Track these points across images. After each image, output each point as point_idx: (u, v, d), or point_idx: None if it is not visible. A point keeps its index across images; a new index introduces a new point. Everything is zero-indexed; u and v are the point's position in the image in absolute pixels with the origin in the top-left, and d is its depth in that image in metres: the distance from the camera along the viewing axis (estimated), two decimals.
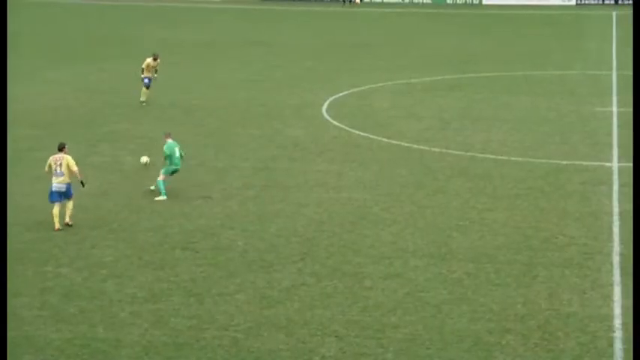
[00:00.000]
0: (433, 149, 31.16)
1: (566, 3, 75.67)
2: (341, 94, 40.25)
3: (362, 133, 33.40)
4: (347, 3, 77.30)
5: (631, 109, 36.27)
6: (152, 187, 26.28)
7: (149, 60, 38.01)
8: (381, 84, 42.77)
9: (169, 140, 26.13)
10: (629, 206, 25.08)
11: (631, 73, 44.72)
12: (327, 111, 37.13)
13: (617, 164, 29.09)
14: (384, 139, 32.52)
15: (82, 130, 33.63)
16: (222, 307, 18.76)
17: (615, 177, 27.85)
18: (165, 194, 25.66)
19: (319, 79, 43.92)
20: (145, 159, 27.26)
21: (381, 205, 25.39)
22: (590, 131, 33.52)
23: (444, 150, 31.06)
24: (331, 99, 39.23)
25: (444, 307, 18.77)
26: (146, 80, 37.82)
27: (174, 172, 26.08)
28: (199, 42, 56.33)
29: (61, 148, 23.40)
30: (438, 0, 77.77)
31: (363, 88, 41.55)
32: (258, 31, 62.20)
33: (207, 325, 17.96)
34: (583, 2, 75.72)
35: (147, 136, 32.64)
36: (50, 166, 23.19)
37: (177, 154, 26.03)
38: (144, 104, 37.75)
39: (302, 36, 59.90)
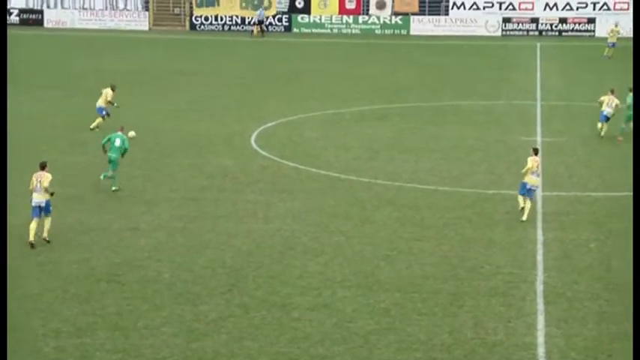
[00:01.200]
0: (361, 179, 31.36)
1: (492, 34, 76.82)
2: (270, 124, 40.33)
3: (291, 163, 33.49)
4: (256, 33, 77.06)
5: (555, 139, 37.00)
6: (114, 188, 29.10)
7: (108, 90, 38.59)
8: (310, 114, 42.95)
9: (119, 132, 29.68)
10: (553, 235, 25.52)
11: (555, 103, 45.56)
12: (255, 141, 37.18)
13: (542, 193, 29.52)
14: (313, 169, 32.65)
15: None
16: (148, 340, 18.61)
17: (540, 206, 28.27)
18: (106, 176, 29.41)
19: (248, 108, 43.96)
20: (132, 133, 31.38)
21: (310, 235, 25.46)
22: (515, 161, 33.92)
23: (372, 180, 31.27)
24: (260, 129, 39.29)
25: (372, 338, 18.87)
26: (101, 111, 38.29)
27: (109, 160, 29.21)
28: (128, 71, 56.03)
29: (42, 167, 24.71)
30: (367, 30, 78.46)
31: (292, 118, 41.69)
32: (187, 60, 62.08)
33: (133, 359, 17.79)
34: (508, 33, 76.97)
35: (75, 167, 32.32)
36: (32, 182, 24.43)
37: (118, 143, 29.21)
38: (96, 130, 37.76)
39: (231, 65, 59.90)
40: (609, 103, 37.94)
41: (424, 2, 79.05)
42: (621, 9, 76.17)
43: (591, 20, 76.18)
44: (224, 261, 23.33)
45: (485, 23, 77.44)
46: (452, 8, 78.35)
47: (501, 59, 63.48)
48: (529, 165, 27.08)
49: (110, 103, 38.52)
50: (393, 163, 33.71)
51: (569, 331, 19.41)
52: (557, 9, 77.10)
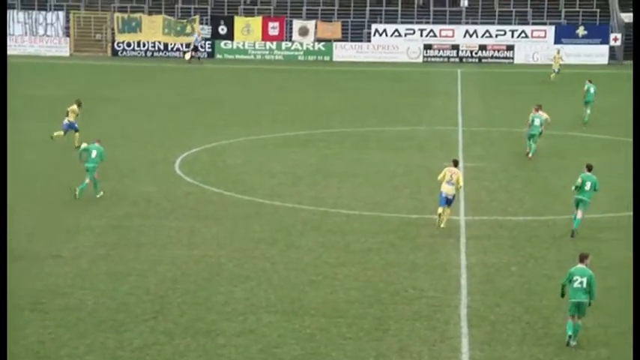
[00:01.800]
0: (286, 205, 31.43)
1: (413, 60, 77.78)
2: (193, 150, 40.22)
3: (215, 189, 33.43)
4: (191, 59, 76.92)
5: (476, 164, 37.51)
6: (99, 194, 31.30)
7: (74, 107, 40.58)
8: (233, 140, 42.95)
9: (95, 144, 32.00)
10: (476, 259, 25.86)
11: (475, 129, 46.22)
12: (179, 167, 37.04)
13: (465, 217, 29.92)
14: (237, 195, 32.63)
15: None
16: None
17: (463, 230, 28.65)
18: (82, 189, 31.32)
19: (171, 135, 43.79)
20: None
21: (235, 261, 25.43)
22: (438, 186, 34.23)
23: (296, 205, 31.36)
24: (184, 155, 39.16)
25: None
26: (66, 125, 40.15)
27: (86, 169, 31.43)
28: (50, 97, 55.41)
29: None
30: (290, 56, 78.83)
31: (215, 144, 41.61)
32: (109, 86, 61.66)
33: None
34: (429, 60, 78.00)
35: None
36: None
37: (94, 155, 31.47)
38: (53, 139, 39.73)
39: (154, 92, 59.65)
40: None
41: (346, 29, 79.77)
42: (539, 36, 77.72)
43: (510, 47, 77.57)
44: (148, 288, 23.18)
45: (407, 50, 78.38)
46: (374, 35, 79.16)
47: (423, 85, 64.27)
48: (441, 175, 28.89)
49: (69, 114, 40.36)
50: (317, 189, 33.86)
51: (493, 353, 19.67)
52: (477, 36, 78.40)
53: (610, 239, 26.92)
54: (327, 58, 78.70)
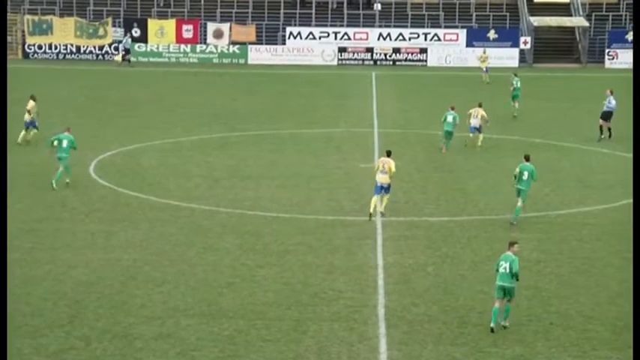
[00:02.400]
0: (203, 207, 31.32)
1: (329, 63, 78.14)
2: (109, 154, 39.83)
3: (131, 193, 33.15)
4: (121, 62, 76.30)
5: None
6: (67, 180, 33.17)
7: (30, 102, 41.81)
8: (149, 143, 42.63)
9: (65, 133, 33.60)
10: (393, 259, 26.09)
11: (391, 130, 46.64)
12: (94, 170, 36.64)
13: (381, 218, 30.15)
14: (154, 198, 32.41)
15: None
16: None
17: (379, 231, 28.87)
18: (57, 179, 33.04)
19: (86, 137, 43.13)
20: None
21: (152, 264, 25.26)
22: (354, 187, 34.62)
23: (214, 208, 31.27)
24: (99, 158, 38.75)
25: None
26: (27, 123, 41.42)
27: (59, 158, 33.17)
28: None
29: None
30: (205, 59, 78.51)
31: (131, 147, 41.27)
32: (21, 89, 60.56)
33: None
34: (344, 62, 78.43)
35: None
36: None
37: (65, 144, 32.99)
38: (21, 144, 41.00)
39: (67, 94, 58.88)
40: (475, 115, 42.04)
41: (261, 32, 79.79)
42: (451, 40, 78.74)
43: (423, 50, 78.44)
44: (64, 292, 22.90)
45: (322, 53, 78.72)
46: (289, 38, 79.34)
47: (338, 88, 64.58)
48: (375, 166, 30.68)
49: (28, 112, 41.51)
50: (234, 191, 33.80)
51: (410, 353, 19.88)
52: (390, 39, 79.09)
53: (521, 238, 27.34)
54: (242, 61, 78.62)
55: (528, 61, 78.03)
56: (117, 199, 32.38)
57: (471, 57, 75.59)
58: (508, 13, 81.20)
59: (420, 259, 26.18)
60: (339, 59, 78.82)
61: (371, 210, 29.75)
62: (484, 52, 69.50)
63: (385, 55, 78.67)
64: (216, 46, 78.94)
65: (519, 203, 29.56)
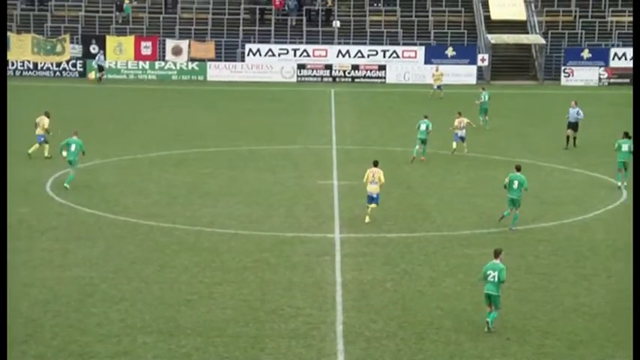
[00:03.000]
0: (161, 224, 31.20)
1: (287, 80, 78.23)
2: (66, 171, 39.50)
3: (88, 210, 32.96)
4: (94, 79, 75.88)
5: (350, 182, 37.89)
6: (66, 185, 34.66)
7: (43, 118, 42.82)
8: (106, 160, 42.42)
9: (73, 137, 36.16)
10: (351, 275, 26.13)
11: (350, 147, 46.77)
12: (51, 188, 36.39)
13: (339, 235, 30.23)
14: (111, 215, 32.24)
15: None
16: None
17: (338, 248, 28.92)
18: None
19: (42, 154, 42.92)
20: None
21: (109, 282, 25.11)
22: (312, 204, 34.66)
23: (171, 225, 31.16)
24: (56, 175, 38.48)
25: None
26: (40, 138, 42.29)
27: (69, 162, 35.87)
28: None
29: None
30: (163, 75, 78.29)
31: (88, 164, 40.97)
32: None
33: None
34: (303, 79, 78.57)
35: None
36: None
37: (74, 148, 35.62)
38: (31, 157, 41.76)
39: (23, 111, 58.33)
40: (462, 126, 44.28)
41: (220, 49, 79.74)
42: (409, 57, 79.15)
43: (382, 67, 78.75)
44: (20, 311, 22.68)
45: (281, 69, 78.80)
46: (248, 55, 79.33)
47: (297, 105, 64.68)
48: (365, 177, 31.82)
49: (47, 130, 42.34)
50: (192, 208, 33.71)
51: None
52: (349, 56, 79.35)
53: (478, 254, 27.52)
54: (201, 78, 78.49)
55: (486, 78, 78.60)
56: (74, 216, 32.18)
57: (429, 74, 75.84)
58: (466, 31, 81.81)
59: (379, 276, 26.24)
60: (298, 76, 78.94)
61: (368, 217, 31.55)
62: (437, 70, 70.09)
63: (344, 72, 78.92)
64: (175, 63, 78.75)
65: (516, 212, 30.83)
